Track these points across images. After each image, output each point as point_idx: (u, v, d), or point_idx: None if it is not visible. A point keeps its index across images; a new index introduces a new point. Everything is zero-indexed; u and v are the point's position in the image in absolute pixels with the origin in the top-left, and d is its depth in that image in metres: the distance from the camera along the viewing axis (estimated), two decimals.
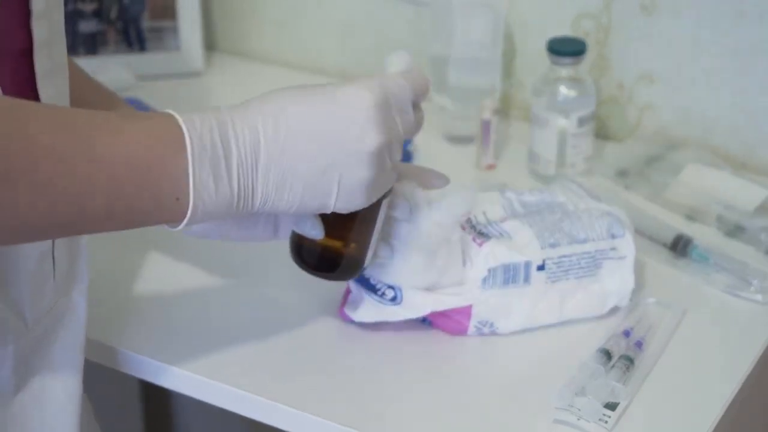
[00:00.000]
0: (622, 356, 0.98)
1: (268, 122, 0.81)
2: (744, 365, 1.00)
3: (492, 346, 1.01)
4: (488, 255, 0.98)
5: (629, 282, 1.04)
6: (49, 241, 0.87)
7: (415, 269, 0.97)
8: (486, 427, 0.94)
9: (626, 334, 1.01)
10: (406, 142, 1.29)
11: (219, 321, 1.05)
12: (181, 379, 0.99)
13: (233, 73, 1.53)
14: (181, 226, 0.81)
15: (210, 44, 1.58)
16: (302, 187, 0.82)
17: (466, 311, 0.99)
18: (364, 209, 0.87)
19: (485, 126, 1.28)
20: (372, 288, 0.99)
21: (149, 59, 1.50)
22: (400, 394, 0.97)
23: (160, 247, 1.15)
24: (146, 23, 1.50)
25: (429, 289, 0.99)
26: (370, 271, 0.99)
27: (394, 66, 0.91)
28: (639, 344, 1.00)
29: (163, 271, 1.12)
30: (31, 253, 0.86)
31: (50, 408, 0.91)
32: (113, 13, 1.49)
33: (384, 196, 0.90)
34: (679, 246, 1.13)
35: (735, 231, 1.17)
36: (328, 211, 0.85)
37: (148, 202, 0.78)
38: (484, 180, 1.26)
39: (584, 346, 0.99)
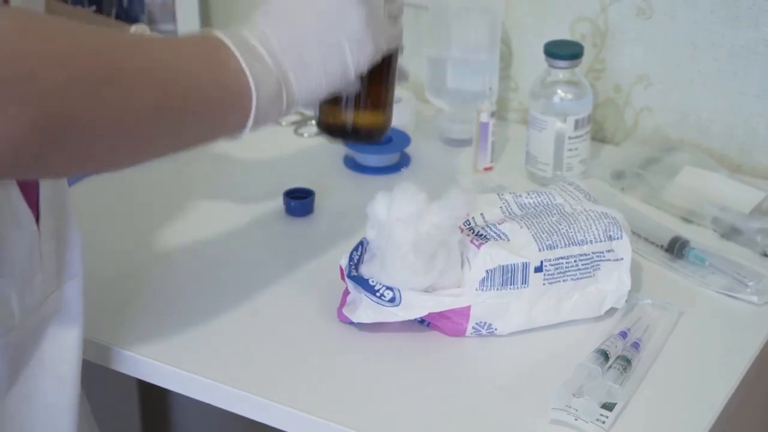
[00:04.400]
0: (619, 357, 0.98)
1: (268, 16, 0.90)
2: (740, 366, 1.00)
3: (490, 347, 1.02)
4: (486, 257, 0.99)
5: (626, 284, 1.04)
6: (36, 235, 0.87)
7: (414, 271, 0.97)
8: (483, 428, 0.94)
9: (623, 335, 1.01)
10: (405, 145, 1.30)
11: (216, 320, 1.05)
12: (177, 378, 1.00)
13: None
14: (250, 119, 0.87)
15: None
16: (320, 58, 0.91)
17: (464, 312, 1.00)
18: (379, 71, 0.98)
19: (483, 129, 1.28)
20: (371, 289, 0.99)
21: None
22: (398, 395, 0.97)
23: (157, 247, 1.16)
24: None
25: (428, 290, 0.99)
26: (370, 272, 1.00)
27: None
28: (636, 345, 1.00)
29: (159, 271, 1.12)
30: (18, 247, 0.86)
31: (45, 403, 0.91)
32: (112, 16, 1.49)
33: (393, 57, 1.02)
34: (676, 248, 1.14)
35: (731, 233, 1.17)
36: (351, 75, 0.93)
37: (218, 91, 0.85)
38: (482, 182, 1.27)
39: (581, 347, 1.00)
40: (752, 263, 1.12)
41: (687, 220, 1.21)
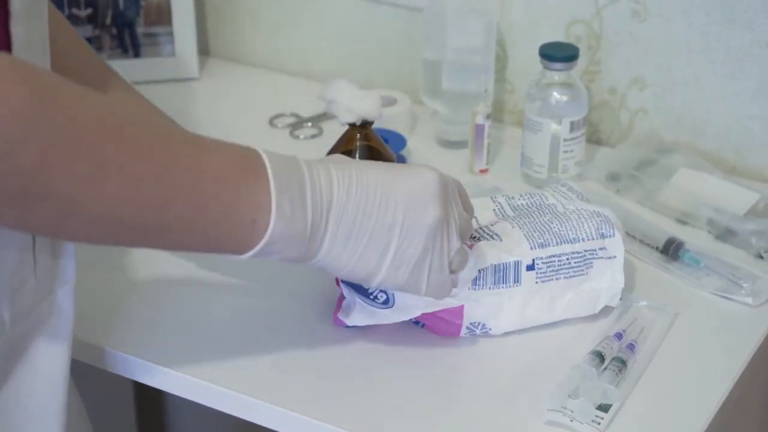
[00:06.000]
0: (615, 358, 0.98)
1: (343, 177, 0.85)
2: (735, 367, 1.00)
3: (484, 349, 1.02)
4: (478, 256, 0.99)
5: (619, 281, 1.04)
6: (30, 240, 0.87)
7: None
8: (478, 429, 0.94)
9: (618, 336, 1.01)
10: (401, 147, 1.31)
11: (210, 322, 1.05)
12: (171, 379, 1.00)
13: (228, 79, 1.53)
14: (252, 252, 0.82)
15: (205, 50, 1.58)
16: (367, 242, 0.86)
17: (458, 312, 1.00)
18: None
19: (478, 131, 1.28)
20: (364, 292, 0.99)
21: (144, 65, 1.51)
22: (392, 396, 0.97)
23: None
24: (141, 29, 1.50)
25: None
26: None
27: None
28: (631, 347, 1.00)
29: (153, 272, 1.12)
30: (10, 252, 0.85)
31: (34, 407, 0.91)
32: (108, 19, 1.49)
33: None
34: (671, 249, 1.14)
35: (726, 234, 1.18)
36: (374, 284, 0.89)
37: (225, 220, 0.80)
38: (477, 184, 1.27)
39: (576, 349, 1.00)
40: (747, 265, 1.13)
41: (682, 222, 1.21)
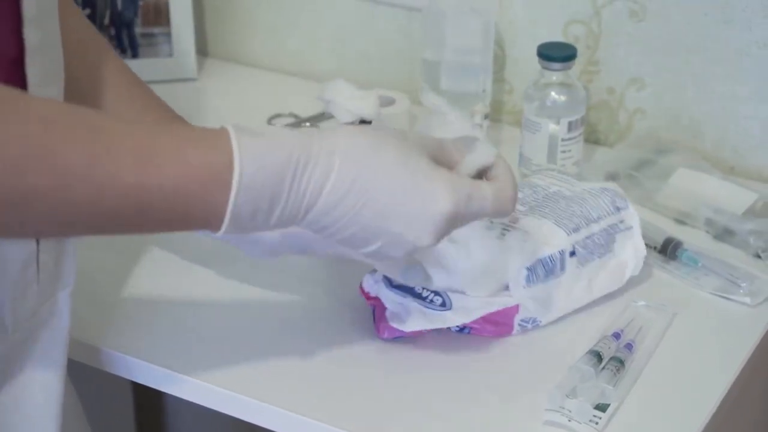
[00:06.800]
0: (613, 358, 0.98)
1: (344, 178, 0.77)
2: (733, 367, 1.00)
3: (482, 349, 1.02)
4: (522, 254, 1.00)
5: (641, 249, 1.07)
6: (34, 247, 0.87)
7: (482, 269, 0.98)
8: (476, 429, 0.94)
9: (616, 336, 1.01)
10: None
11: (208, 322, 1.05)
12: (170, 379, 0.99)
13: (227, 79, 1.53)
14: (215, 235, 0.79)
15: (203, 50, 1.58)
16: (346, 237, 0.80)
17: (512, 312, 1.01)
18: None
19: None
20: (418, 296, 0.99)
21: (142, 65, 1.50)
22: (391, 397, 0.97)
23: (150, 249, 1.16)
24: (139, 29, 1.50)
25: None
26: (414, 281, 0.99)
27: (478, 154, 0.85)
28: (629, 346, 1.00)
29: (152, 272, 1.12)
30: (16, 258, 0.85)
31: (30, 409, 0.91)
32: (106, 19, 1.49)
33: None
34: (669, 249, 1.14)
35: (724, 234, 1.18)
36: (355, 257, 0.87)
37: (175, 218, 0.76)
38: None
39: (574, 349, 1.00)
40: (745, 264, 1.13)
41: (680, 222, 1.21)
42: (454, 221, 0.81)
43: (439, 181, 0.79)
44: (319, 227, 0.79)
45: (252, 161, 0.74)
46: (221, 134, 0.75)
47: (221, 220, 0.76)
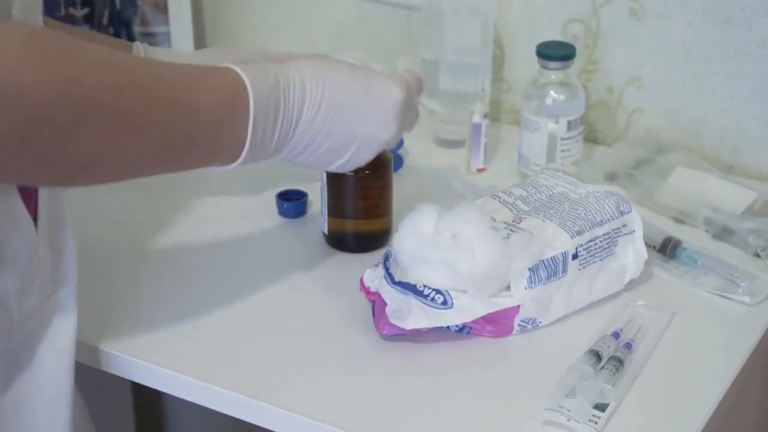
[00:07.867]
0: (612, 358, 0.98)
1: (316, 92, 0.93)
2: (732, 366, 1.00)
3: (482, 348, 1.02)
4: (525, 255, 1.00)
5: (642, 253, 1.07)
6: (35, 241, 0.87)
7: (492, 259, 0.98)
8: (476, 428, 0.94)
9: (615, 335, 1.01)
10: (398, 147, 1.31)
11: (209, 322, 1.05)
12: (170, 379, 1.00)
13: None
14: (231, 166, 0.91)
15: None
16: (324, 151, 0.95)
17: (512, 312, 1.01)
18: (384, 185, 1.12)
19: (475, 130, 1.29)
20: (419, 293, 0.99)
21: None
22: (390, 396, 0.97)
23: (149, 248, 1.16)
24: (138, 29, 1.50)
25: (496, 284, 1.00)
26: (416, 278, 0.99)
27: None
28: (628, 346, 1.00)
29: (152, 272, 1.12)
30: (18, 252, 0.86)
31: (40, 406, 0.91)
32: (105, 19, 1.49)
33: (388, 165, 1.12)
34: (668, 248, 1.14)
35: (723, 233, 1.18)
36: (332, 170, 0.99)
37: (212, 142, 0.88)
38: (474, 184, 1.27)
39: (574, 348, 1.00)
40: (744, 264, 1.13)
41: (679, 221, 1.21)
42: (407, 106, 0.98)
43: (387, 77, 0.98)
44: (301, 148, 0.94)
45: (256, 85, 0.90)
46: (227, 68, 0.90)
47: (243, 142, 0.89)
